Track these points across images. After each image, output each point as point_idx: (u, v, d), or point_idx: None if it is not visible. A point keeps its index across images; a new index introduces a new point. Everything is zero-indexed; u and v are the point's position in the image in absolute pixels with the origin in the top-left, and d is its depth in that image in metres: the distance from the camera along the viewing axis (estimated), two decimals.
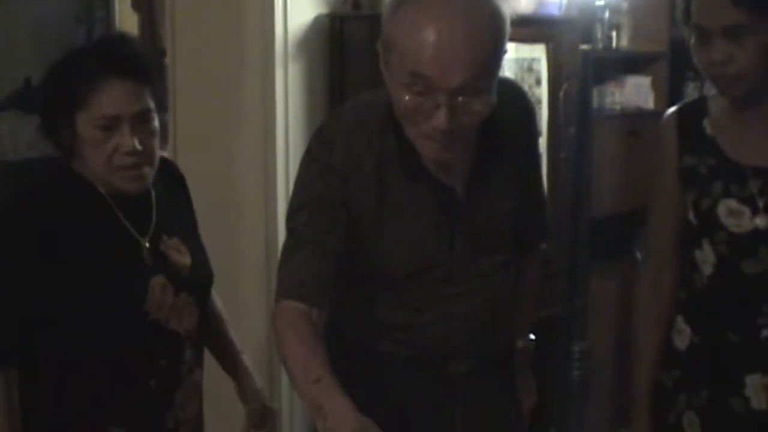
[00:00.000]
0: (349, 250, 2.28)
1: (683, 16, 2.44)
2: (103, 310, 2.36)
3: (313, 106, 4.30)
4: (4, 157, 7.01)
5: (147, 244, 2.45)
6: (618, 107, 5.62)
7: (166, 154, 2.73)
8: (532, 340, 2.74)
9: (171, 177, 2.62)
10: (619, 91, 5.69)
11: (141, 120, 2.37)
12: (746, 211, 2.42)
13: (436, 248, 2.33)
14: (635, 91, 5.57)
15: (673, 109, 2.64)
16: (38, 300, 2.34)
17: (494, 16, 2.10)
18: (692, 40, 2.40)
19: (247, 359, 2.82)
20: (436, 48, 2.02)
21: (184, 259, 2.52)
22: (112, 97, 2.33)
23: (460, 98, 2.06)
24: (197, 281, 2.55)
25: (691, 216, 2.51)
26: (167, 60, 4.47)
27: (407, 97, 2.09)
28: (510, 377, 2.66)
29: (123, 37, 2.55)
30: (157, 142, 2.42)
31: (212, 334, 2.69)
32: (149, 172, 2.41)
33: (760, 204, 2.41)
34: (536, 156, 2.60)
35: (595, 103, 5.40)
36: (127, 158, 2.34)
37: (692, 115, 2.56)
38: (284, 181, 4.18)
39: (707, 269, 2.49)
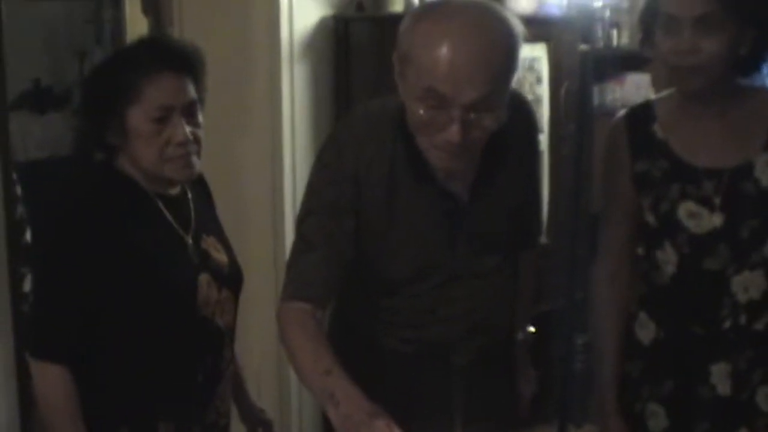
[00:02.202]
0: (356, 254, 2.36)
1: (648, 7, 2.52)
2: (158, 307, 2.42)
3: (318, 106, 4.40)
4: (14, 158, 7.03)
5: (190, 242, 2.52)
6: (619, 104, 5.65)
7: None
8: (531, 332, 2.83)
9: (199, 183, 2.69)
10: (619, 88, 5.74)
11: (190, 112, 2.45)
12: (704, 212, 2.52)
13: (439, 252, 2.40)
14: (635, 89, 5.59)
15: (620, 114, 2.72)
16: (96, 297, 2.39)
17: (509, 35, 2.16)
18: (660, 31, 2.47)
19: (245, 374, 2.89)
20: (452, 65, 2.08)
21: (222, 256, 2.59)
22: (166, 89, 2.40)
23: (472, 114, 2.13)
24: (234, 278, 2.62)
25: (651, 219, 2.59)
26: None
27: (421, 111, 2.16)
28: (509, 368, 2.75)
29: (168, 35, 2.59)
30: (203, 134, 2.49)
31: None
32: (197, 162, 2.48)
33: (716, 203, 2.51)
34: (537, 159, 2.69)
35: (596, 101, 5.48)
36: (180, 148, 2.42)
37: (641, 119, 2.63)
38: (291, 181, 4.29)
39: (670, 268, 2.59)
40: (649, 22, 2.51)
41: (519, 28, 2.20)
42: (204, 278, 2.49)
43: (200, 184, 2.70)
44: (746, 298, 2.54)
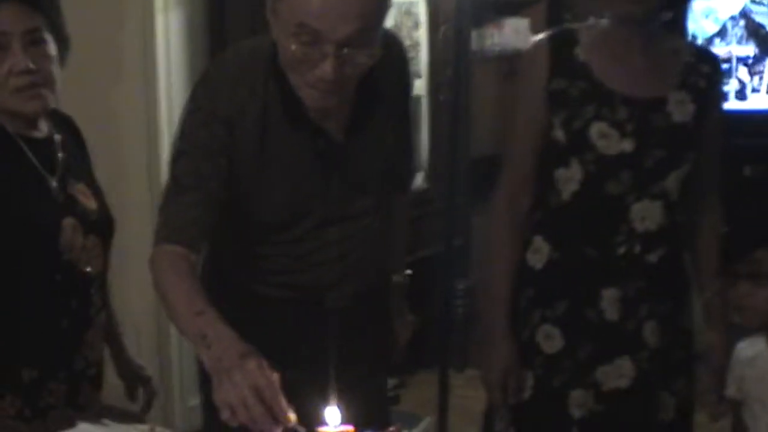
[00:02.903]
0: (229, 197, 2.33)
1: None
2: (17, 249, 2.36)
3: (194, 50, 4.36)
4: None
5: (56, 184, 2.44)
6: (497, 49, 5.69)
7: None
8: (407, 275, 2.82)
9: (69, 129, 2.60)
10: (497, 32, 5.74)
11: (32, 41, 2.34)
12: (615, 134, 2.57)
13: (313, 193, 2.39)
14: (514, 33, 5.61)
15: (541, 35, 2.74)
16: None
17: None
18: None
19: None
20: (325, 0, 2.07)
21: (91, 203, 2.52)
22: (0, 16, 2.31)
23: (345, 50, 2.10)
24: (104, 225, 2.55)
25: (560, 134, 2.61)
26: None
27: (294, 47, 2.13)
28: (384, 311, 2.74)
29: None
30: (54, 67, 2.39)
31: None
32: (47, 94, 2.38)
33: (629, 129, 2.56)
34: (409, 101, 2.67)
35: (474, 46, 5.51)
36: (22, 78, 2.32)
37: (563, 42, 2.67)
38: (167, 126, 4.24)
39: (571, 186, 2.62)
40: None
41: None
42: (68, 222, 2.41)
43: (72, 131, 2.62)
44: (643, 227, 2.59)
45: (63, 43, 2.45)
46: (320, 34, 2.09)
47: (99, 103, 4.30)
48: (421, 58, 4.99)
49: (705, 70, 2.63)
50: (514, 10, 5.86)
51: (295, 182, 2.36)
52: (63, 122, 2.58)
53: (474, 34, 5.45)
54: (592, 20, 2.68)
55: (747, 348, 2.72)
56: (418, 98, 5.03)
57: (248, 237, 2.45)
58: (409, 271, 2.81)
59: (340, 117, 2.35)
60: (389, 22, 4.56)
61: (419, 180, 5.01)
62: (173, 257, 2.23)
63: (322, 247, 2.44)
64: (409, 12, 4.89)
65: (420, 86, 5.03)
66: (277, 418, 1.87)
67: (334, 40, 2.09)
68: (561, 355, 2.68)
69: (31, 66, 2.32)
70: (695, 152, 2.60)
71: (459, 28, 4.63)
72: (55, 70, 2.39)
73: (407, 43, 4.88)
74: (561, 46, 2.66)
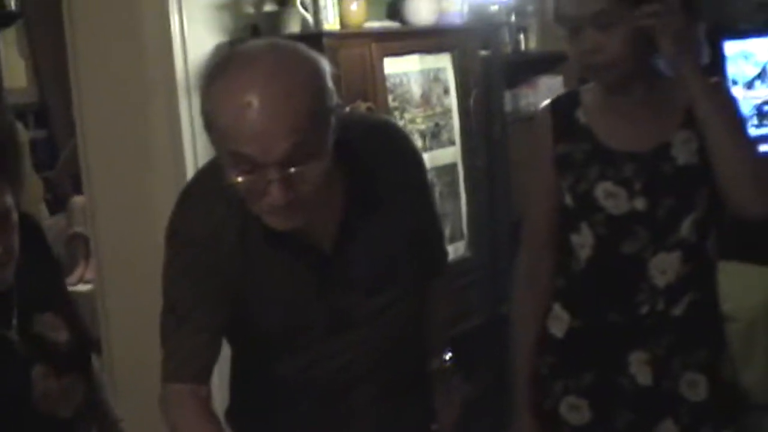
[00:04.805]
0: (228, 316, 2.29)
1: (555, 12, 2.54)
2: None
3: None
4: None
5: (16, 336, 2.34)
6: (533, 108, 5.67)
7: None
8: (448, 358, 2.70)
9: (28, 234, 2.44)
10: (532, 92, 5.76)
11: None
12: (623, 192, 2.53)
13: (309, 308, 2.30)
14: (548, 91, 5.58)
15: (546, 102, 2.75)
16: None
17: (310, 74, 2.01)
18: (565, 34, 2.50)
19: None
20: (250, 123, 1.92)
21: (61, 334, 2.42)
22: None
23: (291, 169, 1.96)
24: (78, 355, 2.46)
25: (568, 199, 2.60)
26: (74, 100, 4.55)
27: (238, 179, 2.00)
28: (423, 398, 2.63)
29: None
30: (15, 237, 2.31)
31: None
32: (10, 267, 2.31)
33: (637, 187, 2.53)
34: (423, 192, 2.52)
35: (509, 107, 5.50)
36: None
37: (566, 105, 2.66)
38: None
39: (585, 252, 2.59)
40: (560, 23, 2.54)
41: (322, 62, 2.05)
42: (38, 371, 2.33)
43: (33, 239, 2.48)
44: (664, 281, 2.54)
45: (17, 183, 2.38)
46: (257, 160, 1.95)
47: (130, 192, 4.40)
48: (454, 125, 4.97)
49: None
50: (547, 68, 5.86)
51: (288, 297, 2.28)
52: (25, 230, 2.41)
53: (508, 94, 5.44)
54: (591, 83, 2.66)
55: None
56: (453, 165, 4.99)
57: (261, 350, 2.38)
58: (449, 354, 2.70)
59: (327, 227, 2.24)
60: (417, 90, 4.65)
61: (461, 249, 4.97)
62: (183, 399, 2.21)
63: (337, 353, 2.36)
64: (437, 79, 4.88)
65: (454, 153, 5.00)
66: None
67: (274, 163, 1.94)
68: (590, 427, 2.62)
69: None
70: (707, 188, 2.52)
71: (488, 91, 4.61)
72: (16, 239, 2.32)
73: (438, 110, 4.89)
74: (564, 110, 2.65)
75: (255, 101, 1.91)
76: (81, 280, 6.45)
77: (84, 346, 2.51)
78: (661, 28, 2.41)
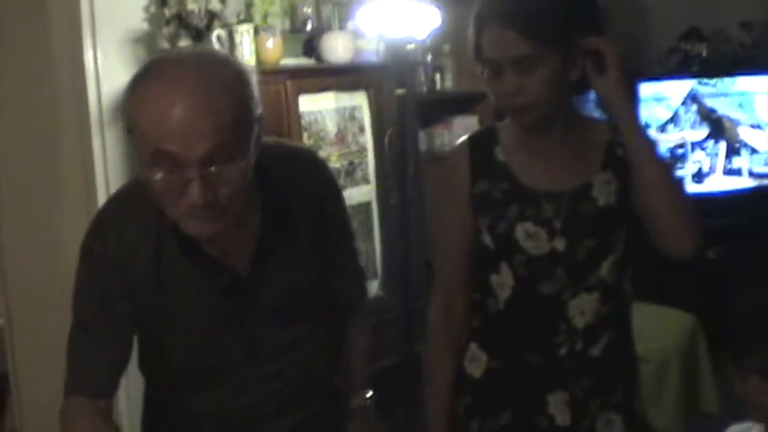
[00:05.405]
0: (138, 337, 2.32)
1: (475, 53, 2.53)
2: None
3: (134, 168, 4.31)
4: None
5: None
6: (447, 148, 5.69)
7: None
8: (367, 397, 2.68)
9: None
10: (447, 132, 5.81)
11: None
12: (543, 233, 2.53)
13: (225, 332, 2.31)
14: (463, 131, 5.53)
15: (463, 138, 2.73)
16: None
17: (233, 78, 2.06)
18: (485, 74, 2.49)
19: None
20: (173, 120, 1.95)
21: None
22: None
23: (212, 168, 1.99)
24: None
25: (488, 240, 2.58)
26: None
27: (156, 177, 2.01)
28: None
29: None
30: None
31: None
32: None
33: (557, 226, 2.53)
34: (338, 223, 2.51)
35: (424, 146, 5.54)
36: None
37: (483, 143, 2.64)
38: None
39: (505, 292, 2.58)
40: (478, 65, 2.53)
41: (246, 69, 2.11)
42: None
43: None
44: (583, 322, 2.55)
45: None
46: (177, 157, 1.97)
47: (41, 225, 4.35)
48: (369, 163, 4.98)
49: (621, 139, 2.54)
50: (462, 109, 5.90)
51: (201, 322, 2.28)
52: None
53: (422, 134, 5.47)
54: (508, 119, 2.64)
55: None
56: (368, 204, 5.02)
57: (173, 380, 2.37)
58: (369, 393, 2.68)
59: (243, 249, 2.25)
60: (332, 128, 4.65)
61: (374, 288, 4.98)
62: (82, 410, 2.21)
63: (249, 388, 2.35)
64: (353, 117, 4.89)
65: (369, 192, 5.01)
66: None
67: (194, 160, 1.97)
68: None
69: None
70: (625, 230, 2.55)
71: (402, 130, 4.61)
72: None
73: (353, 148, 4.91)
74: (481, 148, 2.63)
75: (179, 100, 1.95)
76: None
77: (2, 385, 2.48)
78: (609, 57, 2.43)
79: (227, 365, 2.32)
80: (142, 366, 2.40)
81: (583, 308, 2.54)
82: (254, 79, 2.11)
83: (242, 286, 2.26)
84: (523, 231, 2.54)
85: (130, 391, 3.89)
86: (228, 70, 2.06)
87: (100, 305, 2.23)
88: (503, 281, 2.58)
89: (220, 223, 2.09)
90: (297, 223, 2.31)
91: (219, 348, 2.30)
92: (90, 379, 2.23)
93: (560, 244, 2.52)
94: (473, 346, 2.67)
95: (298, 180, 2.29)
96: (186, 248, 2.19)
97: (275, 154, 2.28)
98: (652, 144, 2.51)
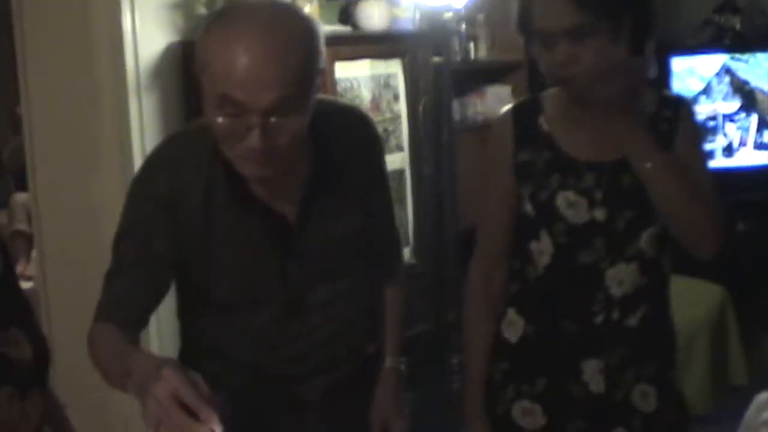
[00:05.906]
0: (179, 278, 2.35)
1: (521, 24, 2.52)
2: None
3: (171, 132, 4.32)
4: None
5: None
6: (480, 118, 5.73)
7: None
8: (402, 361, 2.74)
9: None
10: (480, 101, 5.80)
11: None
12: (583, 202, 2.54)
13: (268, 278, 2.35)
14: (496, 101, 5.61)
15: (507, 107, 2.73)
16: None
17: (304, 33, 2.11)
18: (536, 46, 2.48)
19: None
20: (244, 69, 2.01)
21: (25, 351, 2.21)
22: None
23: (272, 119, 2.06)
24: (40, 371, 2.27)
25: (529, 208, 2.60)
26: (22, 98, 4.51)
27: (220, 120, 2.09)
28: (371, 400, 2.66)
29: None
30: None
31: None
32: None
33: (598, 197, 2.54)
34: (380, 183, 2.59)
35: (457, 116, 5.52)
36: None
37: (528, 112, 2.65)
38: None
39: (544, 259, 2.60)
40: (526, 35, 2.52)
41: (317, 27, 2.16)
42: (3, 396, 2.10)
43: None
44: (620, 292, 2.56)
45: None
46: (244, 105, 2.05)
47: (77, 190, 4.37)
48: (403, 131, 4.99)
49: (667, 114, 2.57)
50: (496, 78, 5.89)
51: (247, 265, 2.33)
52: None
53: (456, 103, 5.46)
54: (553, 89, 2.65)
55: None
56: (401, 172, 5.04)
57: (212, 322, 2.41)
58: (403, 359, 2.73)
59: (292, 197, 2.31)
60: (367, 95, 4.66)
61: (406, 255, 4.98)
62: (105, 332, 2.22)
63: (287, 341, 2.39)
64: (387, 84, 4.90)
65: (402, 159, 5.02)
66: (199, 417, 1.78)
67: (259, 110, 2.05)
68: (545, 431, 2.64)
69: None
70: None
71: (438, 99, 4.62)
72: None
73: (387, 116, 4.92)
74: (525, 117, 2.65)
75: (252, 50, 2.02)
76: (21, 278, 6.37)
77: (46, 360, 2.31)
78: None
79: (266, 315, 2.36)
80: (182, 311, 2.45)
81: (621, 278, 2.56)
82: (321, 31, 2.16)
83: (289, 232, 2.32)
84: (564, 199, 2.55)
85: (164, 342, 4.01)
86: (300, 23, 2.13)
87: (139, 242, 2.27)
88: (543, 249, 2.60)
89: (273, 167, 2.17)
90: (343, 176, 2.38)
91: (260, 297, 2.35)
92: (119, 309, 2.25)
93: (600, 214, 2.53)
94: (511, 311, 2.69)
95: (346, 135, 2.34)
96: (236, 191, 2.26)
97: (326, 109, 2.34)
98: (676, 172, 2.46)
